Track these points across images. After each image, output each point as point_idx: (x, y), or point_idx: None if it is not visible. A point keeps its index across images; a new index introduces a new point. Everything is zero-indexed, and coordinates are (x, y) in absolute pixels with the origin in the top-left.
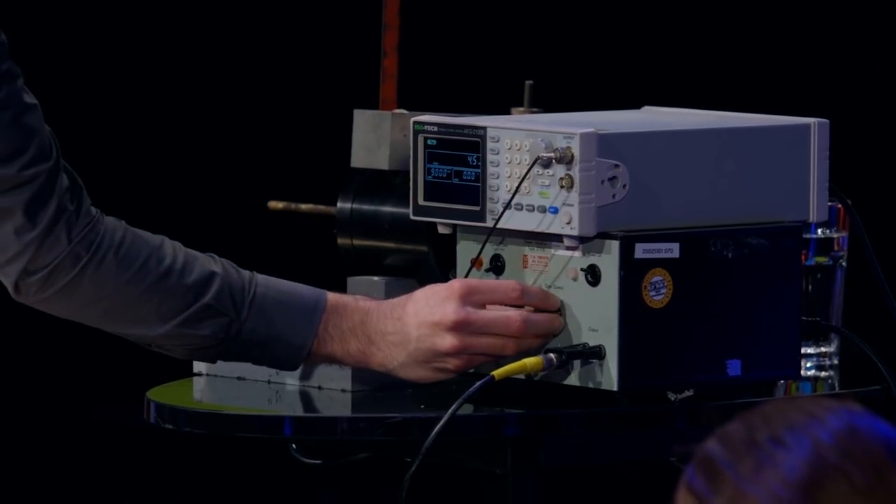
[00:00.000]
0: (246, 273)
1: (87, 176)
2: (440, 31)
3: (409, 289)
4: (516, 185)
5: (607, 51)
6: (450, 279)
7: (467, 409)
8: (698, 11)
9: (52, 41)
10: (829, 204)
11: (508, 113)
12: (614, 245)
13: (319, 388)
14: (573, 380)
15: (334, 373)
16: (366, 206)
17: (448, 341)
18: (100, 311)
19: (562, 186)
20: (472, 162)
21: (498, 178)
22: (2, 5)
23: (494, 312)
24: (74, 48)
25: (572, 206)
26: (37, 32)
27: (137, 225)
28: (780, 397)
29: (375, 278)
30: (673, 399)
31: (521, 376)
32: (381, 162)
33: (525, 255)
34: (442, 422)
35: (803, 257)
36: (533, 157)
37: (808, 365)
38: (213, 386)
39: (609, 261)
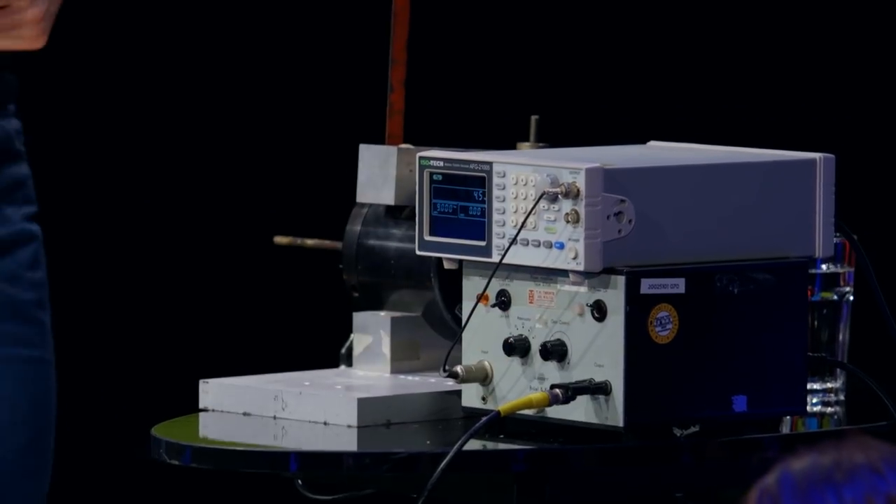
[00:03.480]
0: None
1: (91, 212)
2: (446, 66)
3: (416, 325)
4: (522, 220)
5: (613, 86)
6: (457, 315)
7: (473, 445)
8: (703, 47)
9: (60, 85)
10: (835, 239)
11: (514, 148)
12: (620, 280)
13: (325, 423)
14: (579, 415)
15: (340, 408)
16: (371, 242)
17: None
18: None
19: (567, 221)
20: (478, 197)
21: (504, 213)
22: None
23: None
24: (81, 90)
25: (578, 241)
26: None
27: (142, 258)
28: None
29: (381, 314)
30: (679, 435)
31: (527, 412)
32: (387, 197)
33: (531, 291)
34: (448, 457)
35: (809, 293)
36: (539, 192)
37: (815, 401)
38: (219, 421)
39: (615, 296)
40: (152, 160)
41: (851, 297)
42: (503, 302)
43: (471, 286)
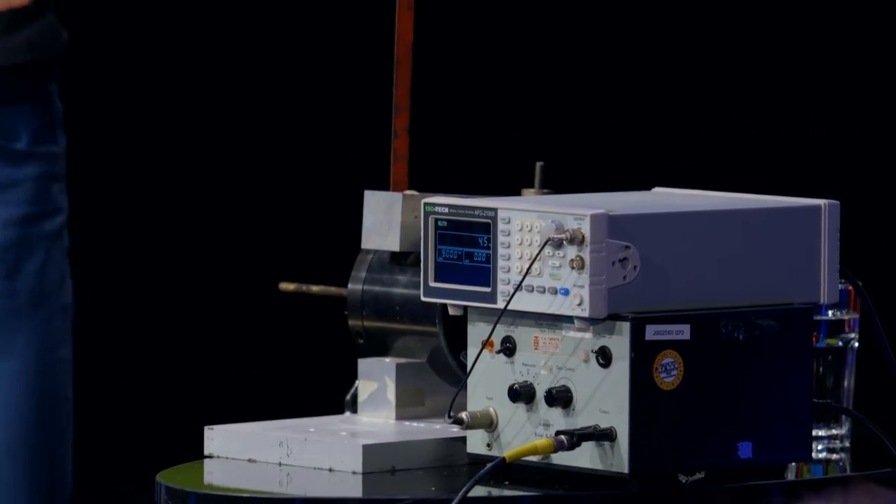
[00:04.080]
0: None
1: (99, 256)
2: (451, 112)
3: (421, 371)
4: (527, 266)
5: (618, 133)
6: (462, 361)
7: (479, 492)
8: (708, 94)
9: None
10: (840, 286)
11: (519, 194)
12: (625, 326)
13: (330, 469)
14: (584, 462)
15: (345, 454)
16: (376, 288)
17: None
18: None
19: (572, 268)
20: (483, 243)
21: (509, 259)
22: None
23: None
24: (85, 127)
25: (583, 287)
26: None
27: (149, 304)
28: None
29: (386, 360)
30: (684, 482)
31: (532, 458)
32: (392, 243)
33: (536, 337)
34: None
35: (814, 339)
36: (544, 239)
37: (820, 447)
38: (224, 468)
39: (620, 342)
40: (158, 206)
41: (856, 344)
42: (508, 348)
43: (476, 332)
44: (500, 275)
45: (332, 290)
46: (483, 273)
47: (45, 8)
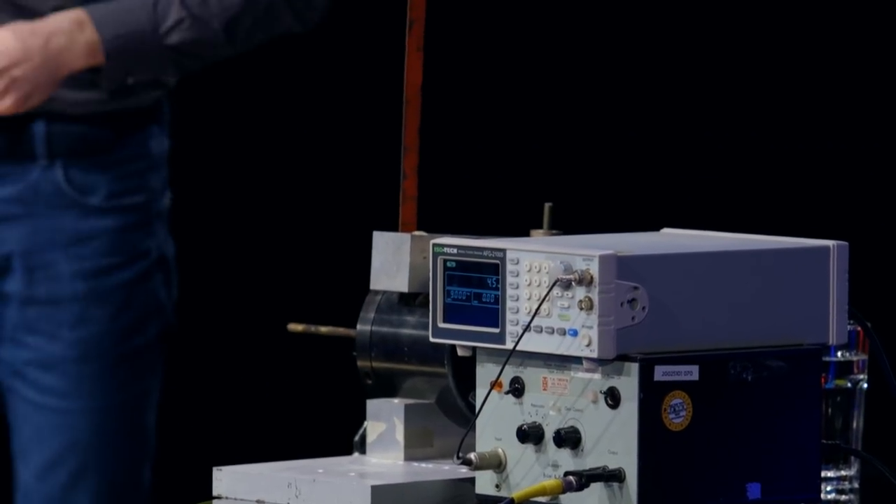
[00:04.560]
0: None
1: None
2: (459, 153)
3: (430, 412)
4: (536, 307)
5: (626, 174)
6: (470, 402)
7: None
8: (716, 134)
9: None
10: (849, 327)
11: (528, 235)
12: (634, 367)
13: None
14: (593, 502)
15: (354, 496)
16: (385, 329)
17: None
18: None
19: (581, 308)
20: (492, 284)
21: (517, 300)
22: None
23: None
24: None
25: (591, 328)
26: None
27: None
28: None
29: (395, 401)
30: None
31: (541, 499)
32: (401, 284)
33: (545, 377)
34: None
35: (823, 380)
36: (552, 280)
37: (829, 489)
38: None
39: (628, 383)
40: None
41: (865, 385)
42: (517, 389)
43: (484, 373)
44: (509, 315)
45: (341, 330)
46: (492, 314)
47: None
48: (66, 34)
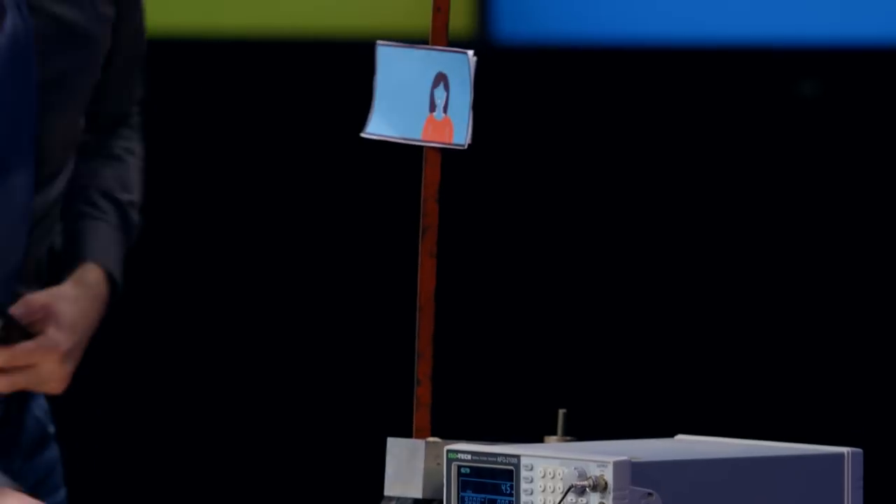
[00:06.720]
0: None
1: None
2: (473, 359)
3: None
4: None
5: (640, 380)
6: None
7: None
8: (727, 339)
9: None
10: None
11: (542, 441)
12: None
13: None
14: None
15: None
16: None
17: None
18: None
19: None
20: (506, 490)
21: None
22: None
23: None
24: None
25: None
26: None
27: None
28: None
29: None
30: None
31: None
32: (415, 490)
33: None
34: None
35: None
36: (566, 486)
37: None
38: None
39: None
40: (168, 438)
41: None
42: None
43: None
44: None
45: None
46: None
47: None
48: (104, 301)
